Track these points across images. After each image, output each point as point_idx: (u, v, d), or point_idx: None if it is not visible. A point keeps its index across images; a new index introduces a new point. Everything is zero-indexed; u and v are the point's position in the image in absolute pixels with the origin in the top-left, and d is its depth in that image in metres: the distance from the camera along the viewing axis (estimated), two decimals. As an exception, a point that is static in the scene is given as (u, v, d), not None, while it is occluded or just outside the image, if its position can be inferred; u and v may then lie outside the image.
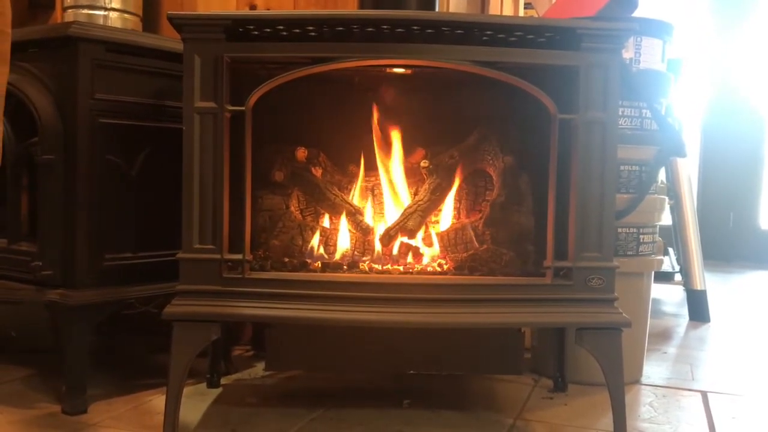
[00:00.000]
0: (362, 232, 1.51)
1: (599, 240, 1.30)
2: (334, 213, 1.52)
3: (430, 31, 1.27)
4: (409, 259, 1.46)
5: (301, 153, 1.51)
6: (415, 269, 1.41)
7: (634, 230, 1.77)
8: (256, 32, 1.28)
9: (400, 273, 1.38)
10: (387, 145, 1.53)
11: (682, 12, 4.46)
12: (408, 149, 1.54)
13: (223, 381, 1.70)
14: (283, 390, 1.72)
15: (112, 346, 1.97)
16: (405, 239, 1.47)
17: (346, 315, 1.27)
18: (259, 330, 1.91)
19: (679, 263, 2.85)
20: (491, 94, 1.52)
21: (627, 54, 1.75)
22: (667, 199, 2.05)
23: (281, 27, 1.26)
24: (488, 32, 1.27)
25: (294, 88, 1.33)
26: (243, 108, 1.28)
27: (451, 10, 2.04)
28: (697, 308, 2.70)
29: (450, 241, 1.49)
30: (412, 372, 1.58)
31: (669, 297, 3.17)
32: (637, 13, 1.87)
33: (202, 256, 1.29)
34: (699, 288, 2.71)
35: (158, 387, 1.63)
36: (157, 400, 1.56)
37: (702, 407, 1.65)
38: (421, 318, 1.28)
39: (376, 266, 1.41)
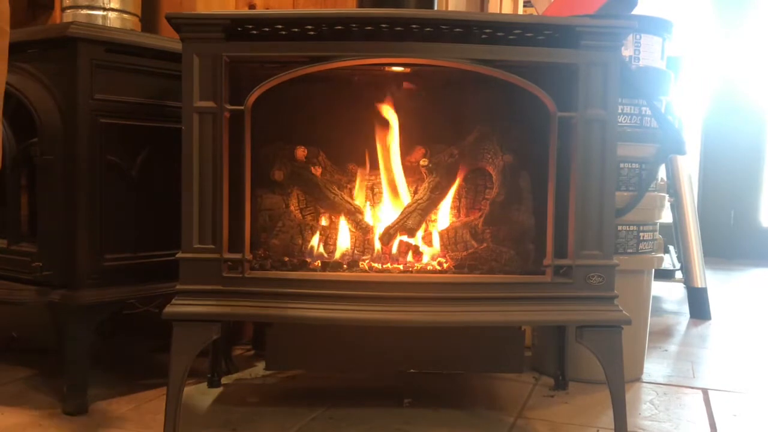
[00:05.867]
0: (362, 231, 1.51)
1: (599, 238, 1.30)
2: (334, 212, 1.52)
3: (428, 29, 1.27)
4: (409, 257, 1.45)
5: (301, 152, 1.51)
6: (415, 268, 1.41)
7: (634, 228, 1.76)
8: (255, 32, 1.28)
9: (400, 272, 1.38)
10: (386, 143, 1.53)
11: (683, 10, 4.45)
12: (408, 148, 1.54)
13: (223, 380, 1.70)
14: (284, 389, 1.72)
15: (112, 346, 1.98)
16: (405, 238, 1.47)
17: (347, 314, 1.27)
18: (260, 329, 1.91)
19: (679, 261, 2.85)
20: (491, 93, 1.52)
21: (626, 52, 1.75)
22: (667, 196, 2.05)
23: (280, 26, 1.26)
24: (487, 30, 1.27)
25: (293, 87, 1.34)
26: (242, 107, 1.28)
27: (450, 8, 2.04)
28: (698, 306, 2.70)
29: (450, 239, 1.49)
30: (412, 371, 1.58)
31: (670, 295, 3.17)
32: (636, 11, 1.87)
33: (202, 255, 1.29)
34: (700, 285, 2.71)
35: (159, 387, 1.63)
36: (158, 400, 1.56)
37: (703, 405, 1.65)
38: (422, 317, 1.28)
39: (376, 265, 1.41)
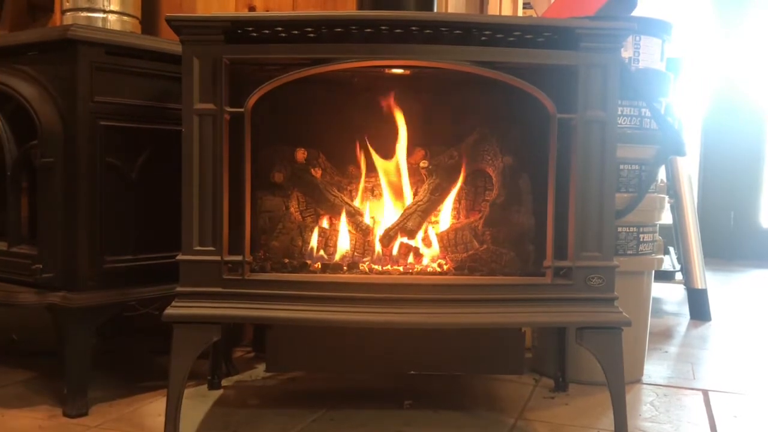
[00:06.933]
0: (362, 232, 1.51)
1: (599, 239, 1.30)
2: (334, 214, 1.52)
3: (428, 31, 1.27)
4: (409, 259, 1.46)
5: (301, 154, 1.52)
6: (415, 270, 1.41)
7: (634, 229, 1.76)
8: (254, 34, 1.28)
9: (400, 273, 1.38)
10: (386, 145, 1.53)
11: (682, 11, 4.45)
12: (408, 149, 1.54)
13: (224, 383, 1.70)
14: (284, 391, 1.72)
15: (113, 348, 1.98)
16: (405, 240, 1.47)
17: (347, 316, 1.27)
18: (260, 331, 1.91)
19: (679, 262, 2.85)
20: (490, 95, 1.52)
21: (626, 53, 1.75)
22: (667, 198, 2.05)
23: (280, 28, 1.26)
24: (487, 32, 1.27)
25: (293, 89, 1.34)
26: (242, 110, 1.28)
27: (450, 10, 2.04)
28: (698, 307, 2.70)
29: (450, 241, 1.49)
30: (412, 372, 1.58)
31: (670, 296, 3.16)
32: (636, 12, 1.87)
33: (202, 257, 1.29)
34: (700, 287, 2.71)
35: (159, 389, 1.63)
36: (159, 402, 1.56)
37: (703, 406, 1.65)
38: (422, 318, 1.28)
39: (376, 267, 1.41)
